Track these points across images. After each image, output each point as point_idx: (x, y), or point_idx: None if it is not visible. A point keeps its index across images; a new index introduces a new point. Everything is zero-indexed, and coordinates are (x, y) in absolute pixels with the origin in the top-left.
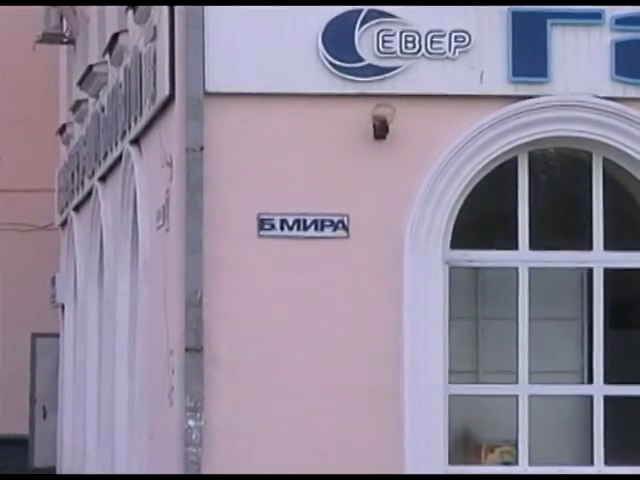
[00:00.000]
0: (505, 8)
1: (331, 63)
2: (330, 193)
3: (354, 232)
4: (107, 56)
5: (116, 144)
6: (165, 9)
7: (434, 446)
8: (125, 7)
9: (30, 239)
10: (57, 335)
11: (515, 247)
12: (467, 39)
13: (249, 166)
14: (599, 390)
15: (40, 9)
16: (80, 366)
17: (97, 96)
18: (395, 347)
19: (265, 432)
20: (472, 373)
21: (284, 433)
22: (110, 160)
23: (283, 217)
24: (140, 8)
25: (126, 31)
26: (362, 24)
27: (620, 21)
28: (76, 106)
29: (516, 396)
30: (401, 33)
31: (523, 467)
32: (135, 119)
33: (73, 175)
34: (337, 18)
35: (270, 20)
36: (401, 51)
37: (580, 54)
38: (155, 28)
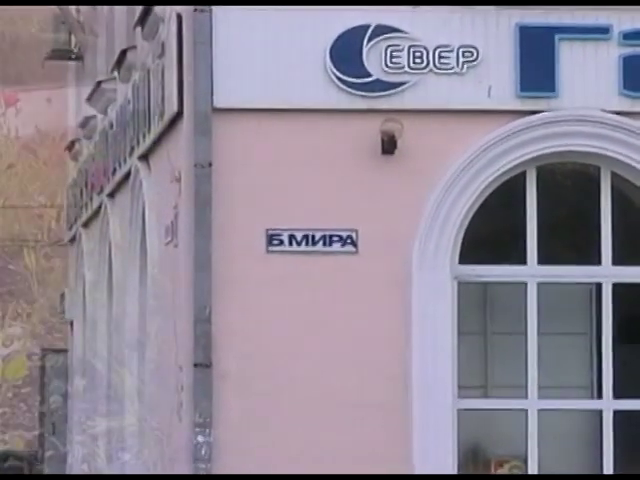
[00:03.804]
0: (513, 23)
1: (339, 78)
2: (338, 208)
3: (363, 247)
4: (115, 72)
5: (124, 160)
6: (173, 25)
7: (443, 461)
8: (133, 23)
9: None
10: (66, 351)
11: (524, 262)
12: (475, 54)
13: (257, 181)
14: (608, 404)
15: (49, 25)
16: (89, 382)
17: (106, 112)
18: (404, 362)
19: (274, 447)
20: (481, 388)
21: (293, 448)
22: (119, 176)
23: (291, 232)
24: (148, 24)
25: (134, 47)
26: (370, 39)
27: (628, 36)
28: (85, 122)
29: (525, 411)
30: (409, 48)
31: None
32: (143, 135)
33: (82, 191)
34: (345, 33)
35: (278, 36)
36: (409, 66)
37: (588, 69)
38: (163, 44)
